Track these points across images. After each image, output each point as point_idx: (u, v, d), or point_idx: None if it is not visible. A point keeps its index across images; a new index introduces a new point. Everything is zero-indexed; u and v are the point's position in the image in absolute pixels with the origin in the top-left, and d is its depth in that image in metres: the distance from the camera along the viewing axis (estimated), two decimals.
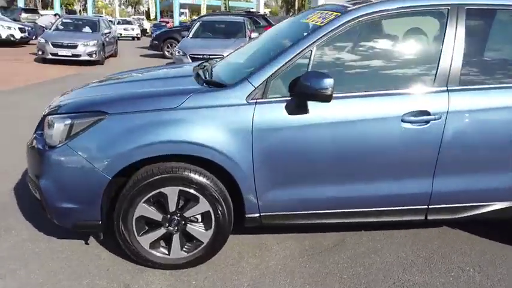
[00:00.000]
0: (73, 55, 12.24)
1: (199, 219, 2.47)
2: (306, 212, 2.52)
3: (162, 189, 2.34)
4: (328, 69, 2.39)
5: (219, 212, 2.40)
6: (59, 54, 12.14)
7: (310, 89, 2.18)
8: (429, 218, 2.62)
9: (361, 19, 2.40)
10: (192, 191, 2.36)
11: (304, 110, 2.30)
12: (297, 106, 2.30)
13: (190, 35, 10.75)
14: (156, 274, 2.47)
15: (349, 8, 2.50)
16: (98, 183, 2.27)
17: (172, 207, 2.39)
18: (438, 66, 2.43)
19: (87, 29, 13.72)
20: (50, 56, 12.16)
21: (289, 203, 2.49)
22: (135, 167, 2.33)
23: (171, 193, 2.36)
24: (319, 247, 2.79)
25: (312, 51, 2.36)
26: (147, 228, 2.44)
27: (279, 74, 2.34)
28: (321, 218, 2.55)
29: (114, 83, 3.07)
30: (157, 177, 2.31)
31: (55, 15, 24.30)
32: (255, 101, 2.32)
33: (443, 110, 2.39)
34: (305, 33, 2.47)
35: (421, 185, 2.52)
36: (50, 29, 14.08)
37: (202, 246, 2.48)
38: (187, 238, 2.49)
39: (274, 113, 2.32)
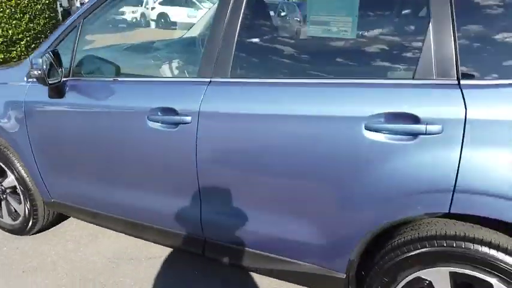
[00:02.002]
0: None
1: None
2: (87, 209, 2.24)
3: None
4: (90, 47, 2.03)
5: (21, 189, 2.43)
6: None
7: None
8: (207, 254, 1.91)
9: None
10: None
11: (57, 93, 2.04)
12: (51, 88, 2.06)
13: None
14: None
15: None
16: None
17: None
18: (205, 48, 1.71)
19: None
20: None
21: (71, 195, 2.28)
22: None
23: None
24: (126, 254, 2.43)
25: (78, 25, 2.04)
26: None
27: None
28: (101, 221, 2.24)
29: None
30: None
31: None
32: (32, 80, 2.20)
33: (194, 110, 1.68)
34: None
35: (189, 208, 1.86)
36: None
37: (21, 218, 2.57)
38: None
39: (39, 95, 2.14)
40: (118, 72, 2.06)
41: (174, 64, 2.02)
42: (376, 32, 1.60)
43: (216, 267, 2.24)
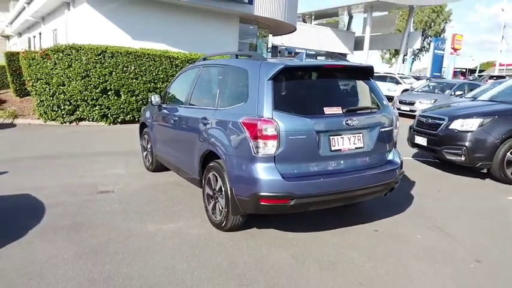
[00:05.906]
0: (410, 110, 14.86)
1: None
2: (166, 159, 5.54)
3: None
4: (171, 92, 5.45)
5: (150, 150, 6.04)
6: (401, 108, 15.18)
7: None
8: (179, 174, 4.92)
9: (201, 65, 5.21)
10: None
11: (159, 109, 5.54)
12: (157, 106, 5.59)
13: None
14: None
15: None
16: None
17: None
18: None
19: (437, 91, 15.78)
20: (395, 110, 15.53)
21: (158, 150, 5.69)
22: None
23: None
24: (182, 181, 5.58)
25: (169, 86, 5.52)
26: None
27: (165, 93, 5.65)
28: (168, 164, 5.50)
29: None
30: None
31: (427, 79, 25.58)
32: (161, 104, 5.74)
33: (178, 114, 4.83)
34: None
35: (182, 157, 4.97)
36: (413, 90, 17.23)
37: (149, 162, 6.17)
38: None
39: (157, 109, 5.66)
40: (182, 103, 5.32)
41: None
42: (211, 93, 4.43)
43: None
